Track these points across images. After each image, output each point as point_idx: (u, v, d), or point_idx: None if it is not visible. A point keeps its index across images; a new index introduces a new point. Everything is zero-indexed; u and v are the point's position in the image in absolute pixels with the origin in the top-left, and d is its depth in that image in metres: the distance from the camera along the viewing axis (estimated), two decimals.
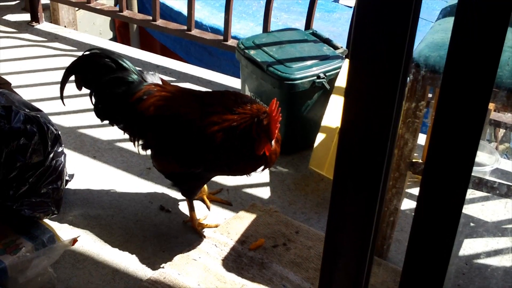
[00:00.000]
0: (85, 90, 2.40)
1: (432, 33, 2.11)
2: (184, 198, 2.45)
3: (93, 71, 2.36)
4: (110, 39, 5.56)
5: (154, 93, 2.30)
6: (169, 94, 2.32)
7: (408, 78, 1.96)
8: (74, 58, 2.41)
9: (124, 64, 2.34)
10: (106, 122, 2.40)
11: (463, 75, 0.91)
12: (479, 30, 0.87)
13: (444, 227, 1.02)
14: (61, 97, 2.46)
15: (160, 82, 2.37)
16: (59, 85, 2.43)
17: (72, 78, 2.42)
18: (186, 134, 2.24)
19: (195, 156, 2.25)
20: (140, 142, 2.36)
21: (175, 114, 2.27)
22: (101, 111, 2.38)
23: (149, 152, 2.37)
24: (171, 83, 2.43)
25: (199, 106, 2.26)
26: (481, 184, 2.14)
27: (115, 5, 5.07)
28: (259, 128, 2.14)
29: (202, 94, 2.39)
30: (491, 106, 2.39)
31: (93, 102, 2.38)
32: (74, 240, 2.21)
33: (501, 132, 3.94)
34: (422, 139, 2.77)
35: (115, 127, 2.40)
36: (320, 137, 2.66)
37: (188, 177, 2.35)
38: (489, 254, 2.38)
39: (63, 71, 2.41)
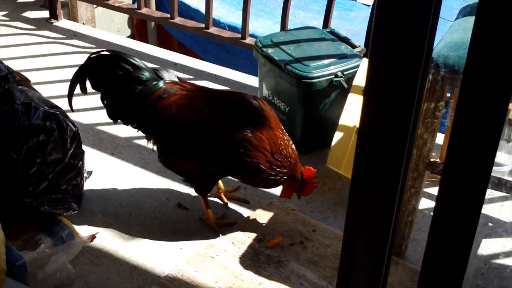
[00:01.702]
0: None
1: (451, 32, 2.10)
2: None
3: (103, 73, 2.35)
4: (128, 37, 5.58)
5: (175, 92, 2.30)
6: (190, 93, 2.32)
7: (428, 78, 1.95)
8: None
9: (136, 63, 2.34)
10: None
11: (483, 75, 0.90)
12: (500, 29, 0.87)
13: (463, 227, 1.02)
14: (70, 103, 2.44)
15: (177, 80, 2.38)
16: (75, 86, 2.43)
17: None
18: (208, 135, 2.25)
19: (214, 158, 2.27)
20: (154, 139, 2.37)
21: (197, 114, 2.27)
22: (115, 111, 2.38)
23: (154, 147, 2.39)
24: (189, 81, 2.44)
25: (221, 108, 2.28)
26: (500, 184, 2.13)
27: (133, 2, 5.09)
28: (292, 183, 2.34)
29: (222, 93, 2.40)
30: (510, 106, 2.38)
31: (105, 103, 2.38)
32: (93, 237, 2.23)
33: None
34: (439, 138, 2.76)
35: (130, 126, 2.41)
36: (337, 135, 2.65)
37: (202, 176, 2.36)
38: (508, 254, 2.37)
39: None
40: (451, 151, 0.98)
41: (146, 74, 2.32)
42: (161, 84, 2.31)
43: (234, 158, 2.24)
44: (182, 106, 2.28)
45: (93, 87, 2.39)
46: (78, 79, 2.40)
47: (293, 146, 2.32)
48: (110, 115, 2.39)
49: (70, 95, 2.42)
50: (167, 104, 2.28)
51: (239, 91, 2.46)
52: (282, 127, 2.32)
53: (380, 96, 1.00)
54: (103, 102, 2.39)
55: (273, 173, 2.27)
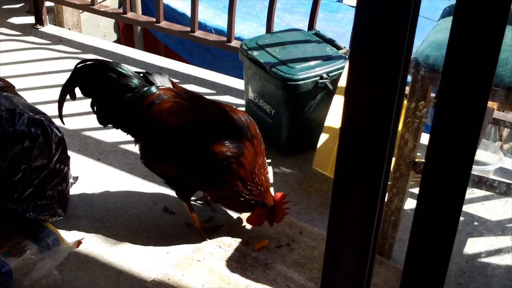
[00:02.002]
0: None
1: (434, 32, 2.11)
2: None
3: (91, 83, 2.35)
4: (115, 41, 5.57)
5: (168, 99, 2.30)
6: (183, 101, 2.32)
7: (409, 77, 1.96)
8: (78, 61, 2.41)
9: (123, 71, 2.33)
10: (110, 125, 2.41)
11: (462, 74, 0.91)
12: (478, 28, 0.88)
13: (444, 225, 1.02)
14: (60, 115, 2.43)
15: (170, 84, 2.37)
16: (63, 99, 2.42)
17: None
18: (194, 146, 2.27)
19: (195, 167, 2.28)
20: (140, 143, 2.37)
21: (188, 123, 2.29)
22: (105, 117, 2.38)
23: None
24: (181, 86, 2.44)
25: (212, 121, 2.31)
26: (481, 182, 2.14)
27: (119, 7, 5.08)
28: (262, 210, 2.36)
29: (216, 105, 2.40)
30: (494, 105, 2.39)
31: (95, 109, 2.38)
32: (79, 242, 2.22)
33: (506, 131, 3.93)
34: (426, 138, 2.77)
35: (120, 130, 2.41)
36: (323, 137, 2.66)
37: (181, 182, 2.37)
38: (490, 253, 2.38)
39: (68, 73, 2.40)
40: (431, 150, 0.98)
41: (135, 81, 2.31)
42: (154, 89, 2.31)
43: (215, 172, 2.26)
44: (173, 114, 2.28)
45: (82, 93, 2.39)
46: (66, 93, 2.40)
47: (267, 174, 2.36)
48: (100, 120, 2.39)
49: (60, 108, 2.41)
50: (159, 111, 2.28)
51: (233, 106, 2.45)
52: (264, 156, 2.36)
53: (361, 95, 1.00)
54: (92, 109, 2.39)
55: (243, 196, 2.30)
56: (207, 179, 2.31)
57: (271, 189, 2.68)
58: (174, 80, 3.47)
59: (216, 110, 2.35)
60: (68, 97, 2.41)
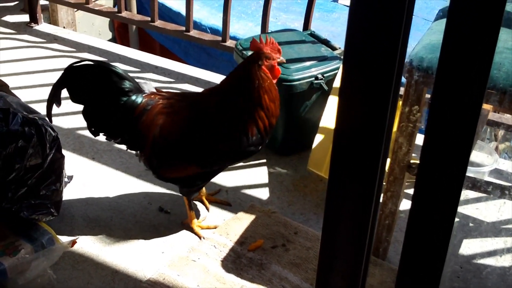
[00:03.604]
0: None
1: (429, 34, 2.11)
2: (183, 197, 2.44)
3: (83, 86, 2.30)
4: (109, 40, 5.56)
5: (156, 102, 2.27)
6: (171, 100, 2.30)
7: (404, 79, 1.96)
8: (73, 60, 2.39)
9: (119, 72, 2.29)
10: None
11: (456, 76, 0.91)
12: (472, 30, 0.88)
13: (438, 228, 1.02)
14: (49, 114, 2.36)
15: (155, 90, 2.35)
16: (54, 99, 2.36)
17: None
18: (203, 133, 2.25)
19: (212, 153, 2.26)
20: (146, 155, 2.33)
21: (188, 118, 2.27)
22: (97, 125, 2.34)
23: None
24: (170, 84, 2.43)
25: (204, 106, 2.29)
26: (475, 186, 2.15)
27: (114, 5, 5.07)
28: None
29: (202, 93, 2.39)
30: (489, 107, 2.39)
31: (87, 117, 2.33)
32: (73, 242, 2.22)
33: (501, 132, 3.93)
34: (421, 140, 2.77)
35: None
36: (318, 138, 2.66)
37: (203, 176, 2.36)
38: (484, 255, 2.39)
39: (62, 72, 2.39)
40: (425, 153, 0.98)
41: (128, 84, 2.28)
42: (139, 99, 2.27)
43: (234, 139, 2.24)
44: (169, 114, 2.26)
45: (73, 100, 2.33)
46: (57, 92, 2.33)
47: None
48: (91, 129, 2.35)
49: (49, 107, 2.35)
50: (152, 116, 2.25)
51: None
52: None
53: (354, 96, 1.00)
54: (84, 117, 2.33)
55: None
56: (232, 153, 2.28)
57: (266, 189, 2.69)
58: (169, 80, 3.50)
59: (199, 96, 2.35)
60: (61, 95, 2.37)
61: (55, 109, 2.39)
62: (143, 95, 2.29)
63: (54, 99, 2.35)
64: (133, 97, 2.27)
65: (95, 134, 2.36)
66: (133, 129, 2.28)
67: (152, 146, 2.27)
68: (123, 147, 2.82)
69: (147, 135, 2.26)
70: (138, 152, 2.34)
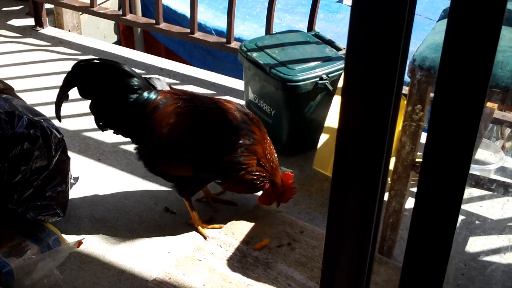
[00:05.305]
0: None
1: (433, 34, 2.11)
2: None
3: (93, 81, 2.32)
4: (115, 43, 5.58)
5: (170, 102, 2.29)
6: (186, 102, 2.32)
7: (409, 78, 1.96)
8: None
9: (128, 70, 2.31)
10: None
11: (458, 75, 0.91)
12: (473, 29, 0.88)
13: (442, 225, 1.02)
14: (58, 113, 2.38)
15: (169, 88, 2.37)
16: (64, 96, 2.38)
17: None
18: (202, 142, 2.29)
19: (210, 162, 2.29)
20: (144, 148, 2.36)
21: (196, 123, 2.30)
22: (105, 120, 2.36)
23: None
24: (175, 86, 2.44)
25: (217, 117, 2.34)
26: (479, 183, 2.15)
27: (119, 9, 5.09)
28: (272, 189, 2.41)
29: (215, 101, 2.41)
30: (495, 105, 2.40)
31: (94, 112, 2.35)
32: (80, 242, 2.23)
33: (508, 130, 3.93)
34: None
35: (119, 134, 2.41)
36: (323, 137, 2.67)
37: (194, 180, 2.37)
38: (488, 253, 2.39)
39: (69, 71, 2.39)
40: (428, 152, 0.98)
41: (138, 82, 2.29)
42: (154, 95, 2.29)
43: (231, 162, 2.29)
44: (180, 115, 2.28)
45: (81, 95, 2.35)
46: (67, 88, 2.35)
47: (275, 154, 2.40)
48: (99, 124, 2.37)
49: (58, 105, 2.37)
50: (165, 115, 2.27)
51: (227, 100, 2.46)
52: (268, 137, 2.41)
53: (357, 96, 1.01)
54: (92, 111, 2.36)
55: (257, 175, 2.33)
56: (223, 171, 2.33)
57: None
58: (174, 81, 3.51)
59: (215, 105, 2.36)
60: (68, 96, 2.39)
61: (61, 112, 2.40)
62: (159, 91, 2.31)
63: (63, 98, 2.37)
64: (146, 94, 2.29)
65: (103, 128, 2.38)
66: (144, 125, 2.30)
67: (158, 141, 2.29)
68: (129, 148, 2.85)
69: (156, 132, 2.28)
70: (139, 145, 2.38)
